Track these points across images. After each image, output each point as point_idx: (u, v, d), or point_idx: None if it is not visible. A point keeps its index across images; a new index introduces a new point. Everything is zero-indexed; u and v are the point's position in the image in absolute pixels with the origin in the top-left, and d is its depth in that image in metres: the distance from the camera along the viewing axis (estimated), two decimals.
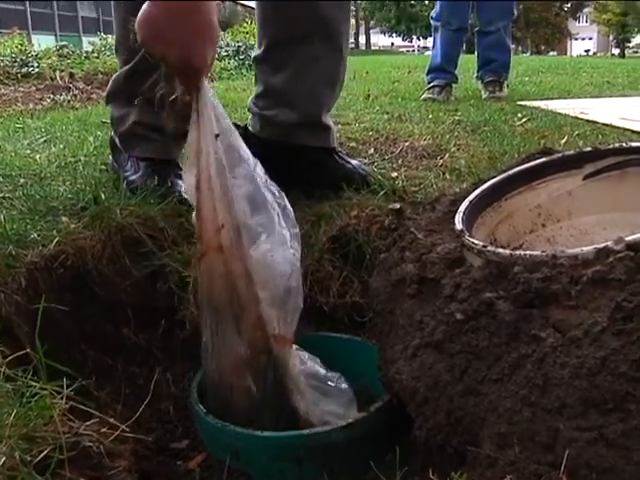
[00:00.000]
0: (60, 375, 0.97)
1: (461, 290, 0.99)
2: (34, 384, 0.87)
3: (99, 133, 2.60)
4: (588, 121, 2.84)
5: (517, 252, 0.98)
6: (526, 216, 1.27)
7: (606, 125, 2.69)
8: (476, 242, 1.04)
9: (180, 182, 1.72)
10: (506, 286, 0.94)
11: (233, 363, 1.19)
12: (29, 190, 1.70)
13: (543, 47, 42.04)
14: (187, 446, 1.30)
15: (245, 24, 15.29)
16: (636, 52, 38.05)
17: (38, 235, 1.42)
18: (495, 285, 0.96)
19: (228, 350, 1.19)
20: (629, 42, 39.87)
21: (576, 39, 52.06)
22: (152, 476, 1.12)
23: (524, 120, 2.84)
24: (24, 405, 0.85)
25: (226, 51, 9.79)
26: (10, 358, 1.00)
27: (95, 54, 7.64)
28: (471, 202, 1.20)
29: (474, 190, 1.26)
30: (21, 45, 7.51)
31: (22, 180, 1.84)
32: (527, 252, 0.97)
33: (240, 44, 10.36)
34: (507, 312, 0.90)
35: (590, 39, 55.03)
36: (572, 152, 1.28)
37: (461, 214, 1.16)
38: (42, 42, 9.68)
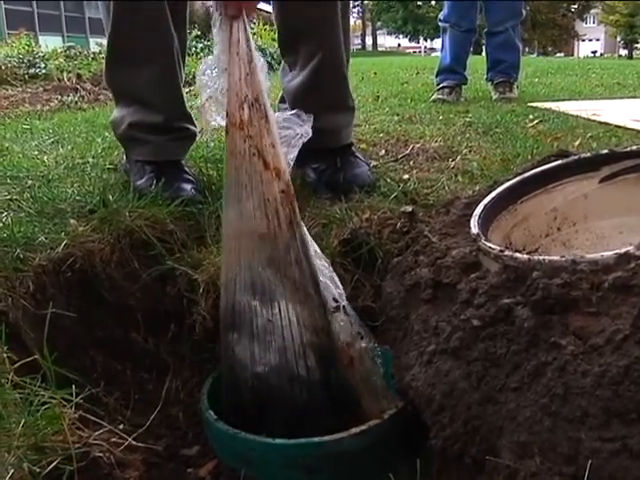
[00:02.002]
0: (69, 381, 0.95)
1: (478, 296, 0.97)
2: (43, 393, 0.85)
3: (107, 134, 2.57)
4: (601, 123, 2.81)
5: (535, 257, 0.96)
6: (542, 219, 1.25)
7: (619, 127, 2.66)
8: (493, 246, 1.02)
9: (186, 186, 1.70)
10: (524, 292, 0.92)
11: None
12: (37, 192, 1.69)
13: (550, 48, 41.96)
14: (197, 453, 1.28)
15: (252, 25, 15.26)
16: None
17: (46, 238, 1.40)
18: (513, 291, 0.94)
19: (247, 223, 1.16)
20: (637, 43, 39.72)
21: (583, 40, 51.93)
22: None
23: (536, 122, 2.82)
24: (32, 414, 0.83)
25: None
26: (18, 365, 0.98)
27: (102, 55, 7.60)
28: (486, 205, 1.18)
29: (489, 193, 1.24)
30: (28, 46, 7.50)
31: (30, 182, 1.82)
32: (546, 257, 0.95)
33: None
34: (526, 318, 0.89)
35: (597, 40, 54.91)
36: (588, 155, 1.26)
37: (476, 218, 1.14)
38: (49, 43, 9.67)
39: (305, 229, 1.20)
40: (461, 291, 1.02)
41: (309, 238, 1.22)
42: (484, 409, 0.89)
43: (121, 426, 1.22)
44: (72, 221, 1.50)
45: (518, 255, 0.98)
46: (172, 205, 1.59)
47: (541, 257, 0.96)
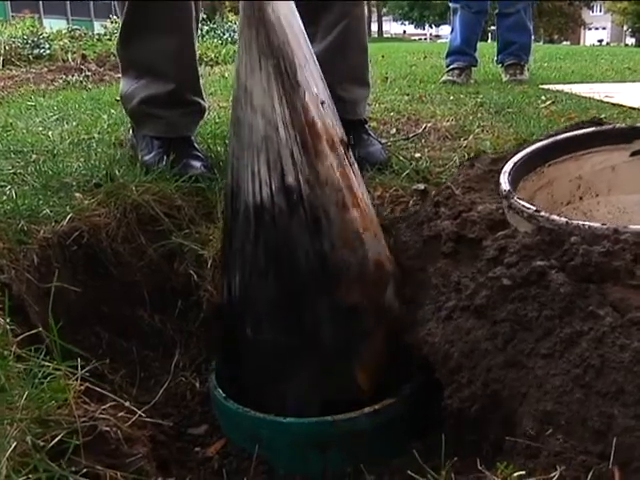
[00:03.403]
0: (73, 357, 0.92)
1: (508, 254, 0.94)
2: (47, 364, 0.81)
3: (113, 111, 2.54)
4: (614, 104, 2.77)
5: (574, 221, 0.93)
6: (565, 186, 1.23)
7: (633, 109, 2.62)
8: (527, 205, 0.99)
9: (195, 163, 1.67)
10: (560, 256, 0.89)
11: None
12: (41, 166, 1.65)
13: (556, 36, 41.75)
14: (205, 432, 1.25)
15: None
16: None
17: (51, 211, 1.37)
18: (547, 253, 0.91)
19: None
20: None
21: (589, 29, 51.71)
22: (169, 463, 1.07)
23: (548, 103, 2.78)
24: (36, 386, 0.79)
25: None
26: (21, 337, 0.94)
27: (107, 36, 7.57)
28: (516, 163, 1.15)
29: (517, 151, 1.21)
30: (32, 27, 7.44)
31: (34, 156, 1.79)
32: (586, 222, 0.92)
33: None
34: (562, 284, 0.85)
35: (604, 29, 54.61)
36: (623, 126, 1.22)
37: (506, 175, 1.10)
38: (54, 26, 9.62)
39: None
40: (487, 248, 0.99)
41: None
42: (507, 373, 0.86)
43: (127, 403, 1.19)
44: (77, 195, 1.47)
45: (555, 217, 0.95)
46: (180, 180, 1.55)
47: (580, 222, 0.92)
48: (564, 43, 36.02)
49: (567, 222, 0.93)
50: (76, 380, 0.82)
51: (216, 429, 1.23)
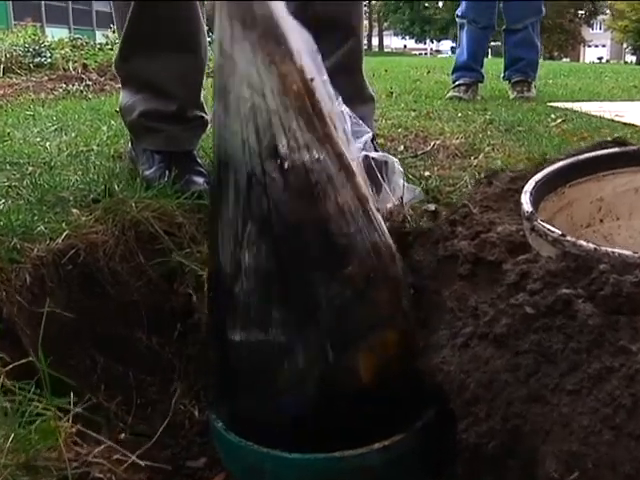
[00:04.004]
0: (65, 385, 0.86)
1: (531, 281, 0.87)
2: (37, 403, 0.74)
3: (113, 122, 2.49)
4: (625, 124, 2.72)
5: (603, 248, 0.86)
6: (586, 208, 1.16)
7: None
8: (552, 229, 0.92)
9: (198, 179, 1.61)
10: (587, 284, 0.82)
11: None
12: (37, 179, 1.59)
13: (556, 53, 41.96)
14: (205, 464, 1.19)
15: None
16: None
17: (46, 227, 1.30)
18: (573, 281, 0.84)
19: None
20: None
21: (589, 46, 52.04)
22: None
23: (559, 121, 2.73)
24: (24, 426, 0.72)
25: None
26: (11, 367, 0.88)
27: (109, 46, 7.53)
28: (537, 183, 1.08)
29: (538, 170, 1.14)
30: (34, 35, 7.41)
31: (30, 168, 1.72)
32: (615, 250, 0.85)
33: None
34: (590, 315, 0.78)
35: (603, 46, 54.92)
36: None
37: (528, 194, 1.04)
38: (56, 35, 9.60)
39: None
40: (508, 272, 0.92)
41: None
42: (529, 408, 0.79)
43: (122, 435, 1.13)
44: (74, 210, 1.40)
45: (582, 243, 0.88)
46: (182, 197, 1.49)
47: (609, 249, 0.86)
48: (564, 60, 36.25)
49: (595, 248, 0.86)
50: (68, 420, 0.75)
51: (216, 462, 1.17)
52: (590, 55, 51.25)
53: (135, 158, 1.78)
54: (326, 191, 0.91)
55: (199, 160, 1.74)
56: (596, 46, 54.44)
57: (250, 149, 0.88)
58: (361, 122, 1.17)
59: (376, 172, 1.19)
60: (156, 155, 1.71)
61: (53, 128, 2.44)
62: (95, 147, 2.03)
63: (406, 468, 1.04)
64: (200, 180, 1.61)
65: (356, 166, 0.97)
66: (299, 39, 0.92)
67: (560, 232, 0.91)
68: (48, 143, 2.09)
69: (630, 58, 41.84)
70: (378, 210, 1.01)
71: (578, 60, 41.71)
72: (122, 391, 1.30)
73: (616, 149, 1.19)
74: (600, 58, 48.08)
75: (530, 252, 0.95)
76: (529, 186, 1.07)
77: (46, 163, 1.80)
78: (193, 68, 1.74)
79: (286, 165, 0.88)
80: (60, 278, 1.27)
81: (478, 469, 0.87)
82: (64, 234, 1.29)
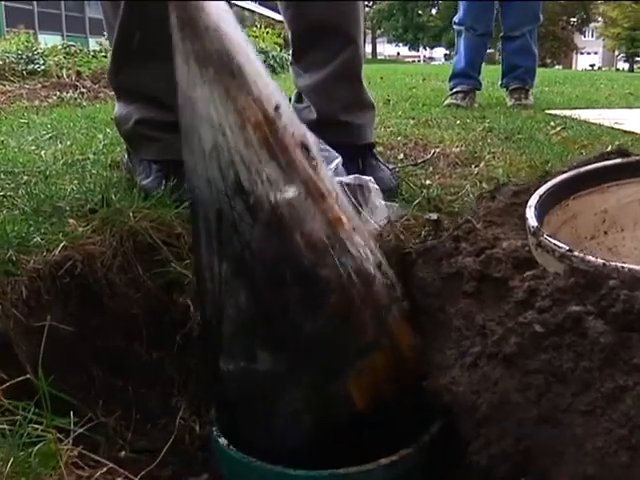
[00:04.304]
0: (64, 403, 0.83)
1: (540, 298, 0.85)
2: (36, 425, 0.71)
3: (109, 130, 2.46)
4: (625, 131, 2.70)
5: (612, 263, 0.84)
6: (590, 220, 1.14)
7: None
8: (559, 245, 0.90)
9: None
10: (597, 301, 0.80)
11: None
12: (33, 189, 1.56)
13: (549, 60, 42.13)
14: None
15: (255, 28, 15.22)
16: None
17: (42, 239, 1.27)
18: (583, 298, 0.82)
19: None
20: (638, 56, 39.89)
21: (581, 53, 52.31)
22: None
23: (559, 129, 2.71)
24: (23, 449, 0.69)
25: None
26: (8, 384, 0.85)
27: (103, 53, 7.49)
28: (541, 197, 1.06)
29: (541, 183, 1.12)
30: (27, 42, 7.37)
31: (25, 177, 1.69)
32: (625, 265, 0.83)
33: None
34: (602, 333, 0.76)
35: (595, 53, 55.18)
36: None
37: (532, 209, 1.02)
38: (49, 42, 9.57)
39: None
40: (515, 289, 0.90)
41: None
42: (540, 429, 0.77)
43: (122, 453, 1.10)
44: (71, 221, 1.37)
45: (591, 258, 0.86)
46: (181, 206, 1.46)
47: (619, 264, 0.83)
48: (556, 67, 36.41)
49: (604, 264, 0.84)
50: (68, 443, 0.72)
51: (218, 478, 1.13)
52: (582, 62, 51.53)
53: (132, 168, 1.75)
54: (293, 224, 0.88)
55: None
56: (588, 53, 54.75)
57: (217, 187, 0.87)
58: (328, 147, 1.13)
59: (350, 198, 1.16)
60: (153, 165, 1.68)
61: (48, 136, 2.41)
62: (91, 156, 2.00)
63: None
64: None
65: (328, 189, 0.94)
66: (258, 64, 0.89)
67: (567, 247, 0.89)
68: (43, 152, 2.06)
69: (622, 65, 42.07)
70: (357, 229, 0.98)
71: (570, 67, 41.95)
72: (121, 406, 1.27)
73: (620, 160, 1.17)
74: (592, 65, 48.37)
75: (536, 268, 0.93)
76: (533, 200, 1.05)
77: (41, 172, 1.76)
78: None
79: (251, 200, 0.86)
80: (57, 290, 1.24)
81: None
82: (61, 245, 1.26)
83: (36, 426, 0.71)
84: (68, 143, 2.24)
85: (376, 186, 1.19)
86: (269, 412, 1.00)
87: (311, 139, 0.94)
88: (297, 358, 0.96)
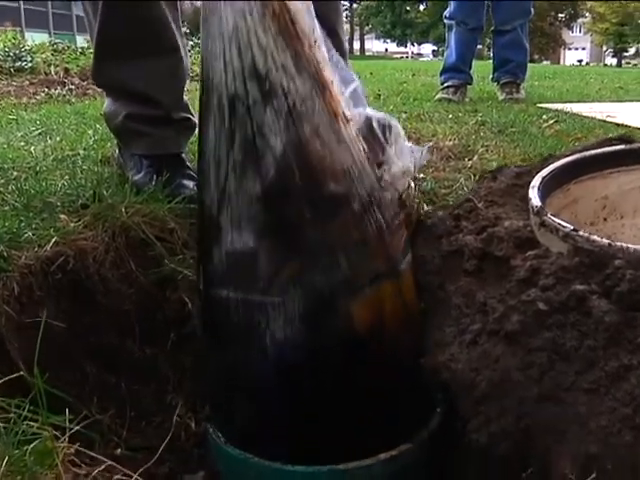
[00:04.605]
0: (57, 400, 0.81)
1: (543, 276, 0.85)
2: (31, 423, 0.69)
3: (98, 126, 2.43)
4: (618, 125, 2.70)
5: (618, 243, 0.84)
6: (590, 206, 1.14)
7: (639, 129, 2.55)
8: (563, 224, 0.89)
9: (188, 182, 1.56)
10: (601, 280, 0.80)
11: None
12: (23, 184, 1.53)
13: (537, 56, 42.27)
14: (203, 478, 1.16)
15: None
16: (628, 63, 38.23)
17: (33, 234, 1.25)
18: (587, 277, 0.82)
19: None
20: (626, 52, 40.11)
21: (569, 49, 52.48)
22: None
23: (551, 122, 2.70)
24: (19, 447, 0.67)
25: None
26: (1, 382, 0.83)
27: (91, 50, 7.44)
28: (544, 178, 1.06)
29: (544, 166, 1.12)
30: (14, 39, 7.32)
31: (15, 173, 1.67)
32: (630, 245, 0.83)
33: None
34: (607, 312, 0.76)
35: (583, 49, 55.34)
36: None
37: (536, 189, 1.01)
38: (36, 39, 9.52)
39: None
40: (518, 268, 0.90)
41: None
42: (542, 407, 0.77)
43: (118, 450, 1.08)
44: (62, 216, 1.35)
45: (596, 238, 0.86)
46: (174, 201, 1.45)
47: (624, 244, 0.83)
48: (544, 62, 36.54)
49: (610, 244, 0.84)
50: (64, 441, 0.70)
51: (215, 475, 1.12)
52: (570, 58, 51.68)
53: (123, 163, 1.73)
54: (302, 114, 0.90)
55: (188, 164, 1.69)
56: (576, 49, 54.90)
57: (234, 70, 0.88)
58: (346, 68, 1.12)
59: (379, 136, 1.15)
60: (144, 160, 1.66)
61: (37, 132, 2.38)
62: (81, 151, 1.97)
63: (411, 478, 1.02)
64: (190, 184, 1.56)
65: (336, 88, 0.96)
66: None
67: (572, 227, 0.89)
68: (33, 147, 2.04)
69: (610, 60, 42.25)
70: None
71: (559, 63, 42.11)
72: (115, 403, 1.26)
73: (622, 146, 1.18)
74: (580, 61, 48.53)
75: (539, 248, 0.93)
76: (536, 181, 1.05)
77: (31, 168, 1.74)
78: (171, 70, 1.68)
79: (266, 86, 0.88)
80: (49, 286, 1.23)
81: (488, 471, 0.84)
82: (52, 241, 1.25)
83: (31, 424, 0.70)
84: (58, 139, 2.22)
85: (401, 128, 1.17)
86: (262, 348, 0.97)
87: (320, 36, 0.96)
88: (296, 252, 0.94)
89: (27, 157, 1.88)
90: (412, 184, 1.19)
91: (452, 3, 4.04)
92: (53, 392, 0.82)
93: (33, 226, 1.29)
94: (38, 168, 1.74)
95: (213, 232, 0.95)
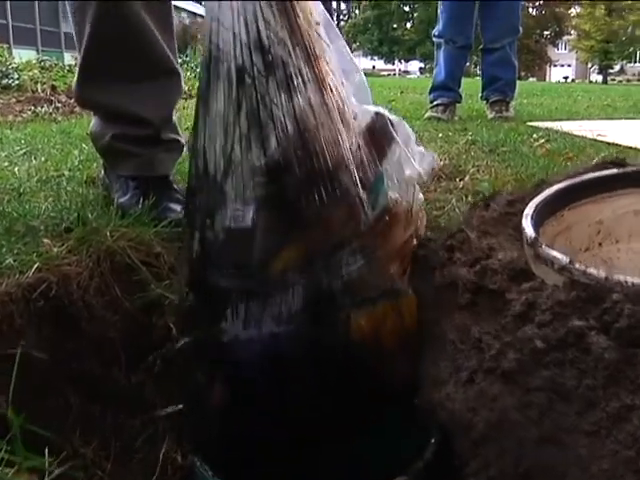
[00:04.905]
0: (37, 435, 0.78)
1: (539, 311, 0.82)
2: (7, 470, 0.65)
3: (84, 146, 2.41)
4: (609, 143, 2.68)
5: (615, 276, 0.81)
6: (584, 231, 1.12)
7: (630, 148, 2.53)
8: (558, 256, 0.87)
9: (176, 206, 1.53)
10: (599, 315, 0.77)
11: None
12: (5, 207, 1.50)
13: (523, 73, 42.59)
14: None
15: None
16: (613, 80, 38.55)
17: (15, 260, 1.21)
18: (584, 312, 0.79)
19: None
20: (612, 69, 40.43)
21: (555, 66, 52.94)
22: None
23: (542, 141, 2.69)
24: None
25: None
26: None
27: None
28: (537, 206, 1.04)
29: (537, 192, 1.11)
30: (1, 57, 7.29)
31: None
32: (629, 278, 0.80)
33: None
34: (606, 348, 0.73)
35: (569, 66, 55.80)
36: None
37: (529, 218, 0.99)
38: (23, 56, 9.49)
39: None
40: (513, 302, 0.87)
41: None
42: (542, 449, 0.74)
43: None
44: (45, 240, 1.31)
45: (592, 271, 0.83)
46: (160, 225, 1.41)
47: (622, 277, 0.81)
48: (531, 79, 36.80)
49: (607, 277, 0.81)
50: None
51: None
52: (556, 74, 52.12)
53: (109, 185, 1.69)
54: (298, 85, 0.96)
55: (176, 186, 1.65)
56: (562, 66, 55.40)
57: (241, 41, 0.94)
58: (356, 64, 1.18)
59: (393, 134, 1.14)
60: (130, 182, 1.62)
61: (22, 152, 2.36)
62: (66, 172, 1.95)
63: None
64: (178, 207, 1.53)
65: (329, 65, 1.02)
66: None
67: (568, 259, 0.86)
68: (17, 168, 2.01)
69: (596, 77, 42.59)
70: None
71: (545, 79, 42.47)
72: (99, 434, 1.21)
73: (615, 170, 1.16)
74: (566, 77, 48.96)
75: (534, 280, 0.90)
76: (530, 209, 1.04)
77: (15, 189, 1.71)
78: (166, 93, 1.68)
79: (269, 58, 0.94)
80: (30, 314, 1.19)
81: None
82: (35, 266, 1.21)
83: (6, 470, 0.66)
84: (42, 159, 2.19)
85: (412, 132, 1.17)
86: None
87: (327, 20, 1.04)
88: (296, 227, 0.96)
89: (10, 178, 1.85)
90: (420, 195, 1.17)
91: (441, 21, 4.05)
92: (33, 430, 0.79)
93: (15, 251, 1.25)
94: (22, 190, 1.71)
95: (217, 197, 0.98)
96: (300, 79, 0.96)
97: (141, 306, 1.34)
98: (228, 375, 1.04)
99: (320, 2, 1.03)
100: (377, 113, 1.12)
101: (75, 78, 1.69)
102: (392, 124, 1.14)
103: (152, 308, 1.34)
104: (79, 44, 1.58)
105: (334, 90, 1.00)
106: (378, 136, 1.09)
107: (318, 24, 1.00)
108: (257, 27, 0.94)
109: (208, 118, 0.98)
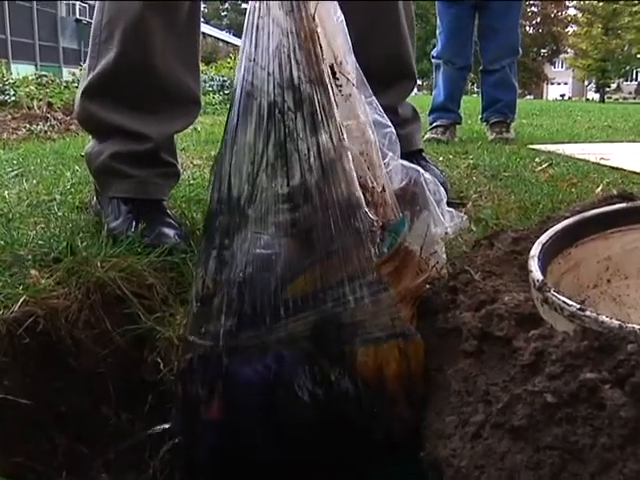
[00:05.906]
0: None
1: (549, 362, 0.76)
2: None
3: (77, 168, 2.35)
4: (613, 168, 2.64)
5: (629, 325, 0.75)
6: (592, 268, 1.07)
7: (635, 173, 2.49)
8: (569, 302, 0.81)
9: (169, 231, 1.47)
10: (614, 368, 0.72)
11: None
12: None
13: (520, 91, 42.83)
14: None
15: (229, 59, 15.26)
16: (610, 98, 38.72)
17: (0, 292, 1.17)
18: (597, 363, 0.73)
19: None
20: (609, 87, 40.59)
21: (552, 83, 53.23)
22: None
23: (545, 165, 2.64)
24: None
25: (210, 86, 9.84)
26: None
27: (75, 84, 7.39)
28: (544, 246, 0.98)
29: (542, 230, 1.06)
30: None
31: None
32: None
33: (225, 79, 10.44)
34: (622, 405, 0.67)
35: (565, 84, 56.06)
36: None
37: (536, 260, 0.94)
38: (21, 71, 9.49)
39: None
40: (521, 351, 0.82)
41: None
42: None
43: None
44: (33, 272, 1.26)
45: (605, 319, 0.76)
46: (152, 254, 1.36)
47: (636, 326, 0.74)
48: (528, 97, 36.96)
49: (620, 326, 0.75)
50: None
51: None
52: (553, 92, 52.39)
53: (101, 210, 1.63)
54: (321, 119, 1.00)
55: (169, 212, 1.60)
56: (559, 83, 55.69)
57: (275, 80, 1.00)
58: (382, 115, 1.22)
59: (428, 196, 1.16)
60: (123, 205, 1.57)
61: (13, 174, 2.30)
62: (58, 196, 1.89)
63: None
64: (171, 233, 1.48)
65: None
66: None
67: (578, 306, 0.80)
68: (7, 191, 1.95)
69: (592, 95, 42.79)
70: None
71: (542, 97, 42.67)
72: (87, 476, 1.16)
73: (623, 205, 1.10)
74: (563, 95, 49.19)
75: (542, 325, 0.85)
76: (536, 250, 0.98)
77: (3, 215, 1.66)
78: (182, 119, 1.68)
79: (297, 96, 1.00)
80: (16, 351, 1.14)
81: None
82: (21, 300, 1.16)
83: None
84: (34, 182, 2.14)
85: (444, 193, 1.21)
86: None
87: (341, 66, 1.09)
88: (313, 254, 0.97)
89: (0, 202, 1.80)
90: (444, 255, 1.16)
91: (440, 43, 4.02)
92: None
93: (0, 284, 1.20)
94: (11, 215, 1.66)
95: (239, 220, 1.01)
96: (324, 116, 1.00)
97: (132, 340, 1.29)
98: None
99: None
100: (418, 171, 1.17)
101: (80, 91, 1.64)
102: (427, 183, 1.17)
103: (143, 342, 1.29)
104: (94, 60, 1.56)
105: (359, 133, 1.07)
106: (411, 198, 1.14)
107: (341, 63, 1.08)
108: (290, 68, 1.00)
109: (236, 147, 1.02)
